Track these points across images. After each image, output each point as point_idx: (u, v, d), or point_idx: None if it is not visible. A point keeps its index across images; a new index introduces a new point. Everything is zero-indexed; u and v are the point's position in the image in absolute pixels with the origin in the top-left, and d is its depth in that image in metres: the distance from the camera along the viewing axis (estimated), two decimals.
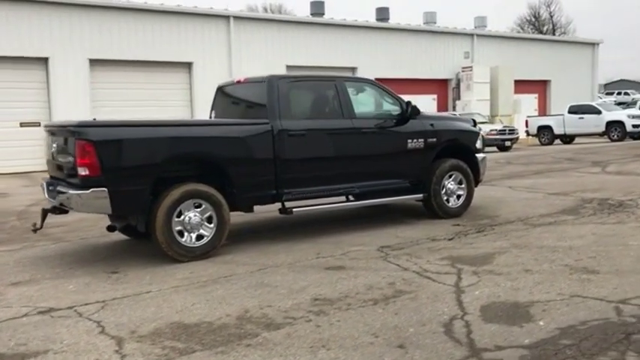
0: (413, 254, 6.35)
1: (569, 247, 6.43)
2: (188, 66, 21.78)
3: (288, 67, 23.72)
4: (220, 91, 8.12)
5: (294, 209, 7.09)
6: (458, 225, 7.92)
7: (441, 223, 8.05)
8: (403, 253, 6.44)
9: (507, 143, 23.66)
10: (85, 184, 5.85)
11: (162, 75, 21.14)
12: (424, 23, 32.38)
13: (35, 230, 6.39)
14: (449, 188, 8.35)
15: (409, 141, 7.90)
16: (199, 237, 6.43)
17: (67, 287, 5.62)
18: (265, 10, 57.12)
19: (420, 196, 8.10)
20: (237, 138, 6.66)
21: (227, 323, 4.43)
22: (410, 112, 7.77)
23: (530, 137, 27.84)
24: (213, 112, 8.19)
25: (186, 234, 6.35)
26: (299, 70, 23.82)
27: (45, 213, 6.47)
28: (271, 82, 7.06)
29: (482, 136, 9.06)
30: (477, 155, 8.64)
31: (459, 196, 8.48)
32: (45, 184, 6.73)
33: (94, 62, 19.77)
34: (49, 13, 18.94)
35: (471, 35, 30.46)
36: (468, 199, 8.54)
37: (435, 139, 8.14)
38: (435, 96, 29.64)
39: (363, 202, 7.99)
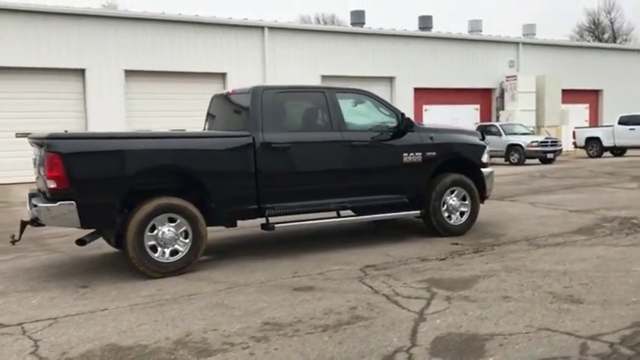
0: (393, 275, 6.00)
1: (565, 271, 5.94)
2: (222, 77, 21.90)
3: (323, 78, 23.60)
4: (214, 101, 7.98)
5: (276, 225, 6.84)
6: (456, 244, 7.49)
7: (440, 241, 7.64)
8: (384, 273, 6.10)
9: (550, 155, 22.71)
10: (54, 197, 5.79)
11: (197, 85, 21.30)
12: (469, 31, 31.67)
13: (13, 242, 6.37)
14: (451, 204, 7.92)
15: (405, 155, 7.53)
16: (174, 252, 6.27)
17: (30, 301, 5.55)
18: (318, 21, 57.28)
19: (418, 212, 7.71)
20: (215, 151, 6.49)
21: (161, 347, 4.22)
22: (404, 124, 7.42)
23: (578, 149, 26.70)
24: (206, 122, 8.06)
25: (159, 249, 6.19)
26: (334, 81, 23.73)
27: (23, 225, 6.45)
28: (255, 93, 6.87)
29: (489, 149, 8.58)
30: (483, 170, 8.18)
31: (462, 213, 8.05)
32: (28, 195, 6.73)
33: (129, 73, 20.13)
34: (85, 25, 19.41)
35: (517, 43, 29.53)
36: (473, 217, 8.09)
37: (434, 153, 7.75)
38: (478, 106, 28.87)
39: (353, 218, 7.68)
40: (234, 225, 7.02)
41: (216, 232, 7.97)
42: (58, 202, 5.76)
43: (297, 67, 23.07)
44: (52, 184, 5.76)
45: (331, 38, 24.18)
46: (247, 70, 22.12)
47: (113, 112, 19.49)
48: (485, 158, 8.24)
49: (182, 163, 6.30)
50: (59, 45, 19.01)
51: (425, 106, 26.91)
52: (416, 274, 6.02)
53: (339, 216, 7.55)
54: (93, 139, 6.11)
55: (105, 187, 5.92)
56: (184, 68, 20.97)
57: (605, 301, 4.94)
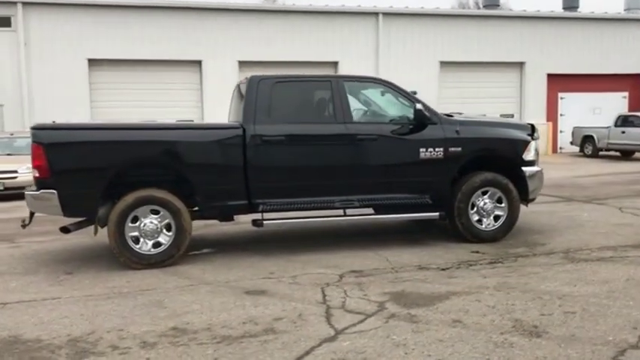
0: (365, 285, 5.43)
1: (565, 295, 4.97)
2: (334, 65, 21.72)
3: (442, 64, 22.50)
4: (234, 91, 7.81)
5: (264, 222, 6.53)
6: (477, 252, 6.64)
7: (461, 248, 6.82)
8: (358, 282, 5.55)
9: None
10: (38, 185, 6.01)
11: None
12: (625, 10, 28.27)
13: (24, 226, 6.73)
14: (482, 207, 7.03)
15: (422, 150, 6.79)
16: (157, 245, 6.24)
17: (9, 284, 5.82)
18: (477, 5, 54.44)
19: (436, 215, 6.93)
20: (200, 143, 6.31)
21: (52, 344, 4.17)
22: (415, 117, 6.68)
23: None
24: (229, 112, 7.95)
25: (142, 240, 6.19)
26: (453, 67, 22.54)
27: (32, 212, 6.77)
28: (251, 82, 6.57)
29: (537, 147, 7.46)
30: (524, 169, 7.13)
31: (497, 218, 7.11)
32: None
33: (243, 64, 20.70)
34: (202, 18, 20.26)
35: None
36: (510, 222, 7.11)
37: (459, 149, 6.90)
38: (626, 94, 25.72)
39: (354, 217, 7.11)
40: (229, 219, 6.83)
41: (231, 225, 7.85)
42: (41, 191, 5.96)
43: (414, 54, 22.21)
44: (35, 173, 5.98)
45: (452, 22, 22.89)
46: (360, 59, 21.73)
47: (226, 102, 20.15)
48: (529, 155, 7.18)
49: (164, 155, 6.23)
50: (179, 38, 20.02)
51: (560, 94, 24.56)
52: (389, 285, 5.39)
53: (345, 214, 7.03)
54: (74, 130, 6.24)
55: (86, 177, 6.02)
56: (296, 58, 21.07)
57: (570, 338, 4.02)
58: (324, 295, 5.12)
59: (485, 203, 7.04)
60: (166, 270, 6.13)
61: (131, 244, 6.14)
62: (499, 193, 7.06)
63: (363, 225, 8.20)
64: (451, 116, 7.30)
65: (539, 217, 8.71)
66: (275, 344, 4.03)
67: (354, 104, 6.83)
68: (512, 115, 23.46)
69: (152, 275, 5.95)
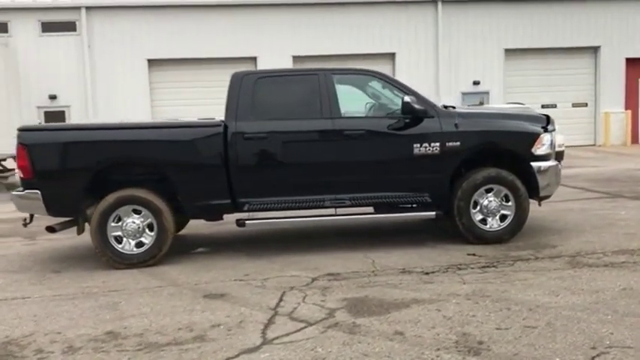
0: (330, 289, 5.15)
1: (538, 305, 4.47)
2: (391, 57, 21.22)
3: (507, 52, 21.44)
4: None
5: (246, 221, 6.36)
6: (473, 255, 6.16)
7: (458, 250, 6.35)
8: (326, 286, 5.27)
9: None
10: (24, 186, 6.14)
11: (365, 67, 20.98)
12: None
13: (25, 225, 6.89)
14: (486, 206, 6.52)
15: (416, 146, 6.36)
16: (139, 244, 6.22)
17: None
18: None
19: (432, 214, 6.50)
20: (179, 141, 6.22)
21: None
22: (403, 110, 6.26)
23: None
24: None
25: (124, 240, 6.19)
26: (519, 55, 21.40)
27: None
28: (234, 79, 6.41)
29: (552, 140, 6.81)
30: (534, 164, 6.54)
31: (504, 217, 6.57)
32: None
33: (297, 58, 20.62)
34: (256, 14, 20.35)
35: None
36: (518, 221, 6.55)
37: (457, 143, 6.42)
38: None
39: (345, 216, 6.77)
40: (218, 219, 6.71)
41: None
42: (26, 191, 6.09)
43: (477, 43, 21.28)
44: (20, 174, 6.10)
45: (517, 7, 21.65)
46: (418, 49, 21.12)
47: None
48: (540, 149, 6.56)
49: (143, 155, 6.19)
50: (234, 34, 20.22)
51: None
52: (356, 290, 5.07)
53: (335, 213, 6.73)
54: (55, 131, 6.32)
55: (67, 177, 6.10)
56: (351, 50, 20.75)
57: (512, 358, 3.57)
58: (280, 301, 4.88)
59: (489, 202, 6.52)
60: (146, 270, 6.09)
61: (114, 243, 6.15)
62: (505, 191, 6.52)
63: (365, 224, 7.84)
64: (454, 108, 6.81)
65: (567, 215, 8.03)
66: (192, 354, 3.86)
67: (344, 98, 6.50)
68: (585, 104, 22.06)
69: (130, 275, 5.92)
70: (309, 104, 6.44)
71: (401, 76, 20.38)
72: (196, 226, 7.73)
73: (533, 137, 6.55)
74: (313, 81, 6.46)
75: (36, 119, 19.35)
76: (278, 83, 6.53)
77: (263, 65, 20.28)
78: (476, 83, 21.40)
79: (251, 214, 6.51)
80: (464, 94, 21.38)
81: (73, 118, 19.72)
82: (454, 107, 6.93)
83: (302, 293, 5.07)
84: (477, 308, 4.48)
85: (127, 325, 4.46)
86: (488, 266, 5.71)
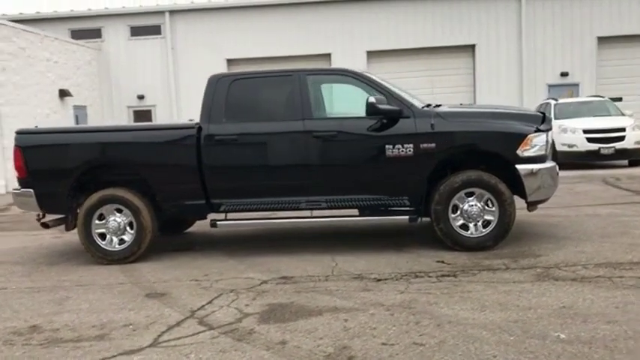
0: (269, 293, 5.13)
1: (452, 321, 4.19)
2: (471, 49, 20.41)
3: (601, 40, 19.92)
4: None
5: (218, 222, 6.47)
6: (442, 262, 5.86)
7: (429, 257, 6.08)
8: (267, 289, 5.26)
9: None
10: (20, 184, 6.66)
11: (442, 60, 20.40)
12: None
13: (38, 219, 7.44)
14: (467, 210, 6.17)
15: (388, 147, 6.14)
16: (122, 242, 6.54)
17: None
18: None
19: (406, 218, 6.25)
20: (154, 143, 6.44)
21: None
22: (367, 111, 6.04)
23: None
24: None
25: (108, 237, 6.54)
26: (614, 43, 19.79)
27: None
28: (210, 81, 6.51)
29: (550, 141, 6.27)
30: (520, 167, 6.08)
31: (487, 223, 6.18)
32: None
33: (372, 54, 20.45)
34: (330, 11, 20.40)
35: None
36: (501, 227, 6.13)
37: (433, 145, 6.11)
38: None
39: (322, 219, 6.64)
40: (200, 218, 6.88)
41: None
42: (22, 189, 6.61)
43: (565, 33, 20.00)
44: (17, 174, 6.63)
45: None
46: (500, 42, 20.16)
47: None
48: (528, 151, 6.08)
49: (122, 156, 6.49)
50: (308, 32, 20.42)
51: None
52: (287, 296, 5.02)
53: (312, 215, 6.66)
54: (45, 134, 6.75)
55: (55, 176, 6.52)
56: (428, 44, 20.26)
57: None
58: (208, 303, 4.94)
59: (470, 206, 6.16)
60: (125, 267, 6.38)
61: (98, 240, 6.52)
62: (488, 195, 6.13)
63: (353, 226, 7.66)
64: (438, 107, 6.49)
65: (586, 221, 7.41)
66: (79, 351, 4.02)
67: (317, 99, 6.42)
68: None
69: (107, 271, 6.24)
70: (282, 106, 6.42)
71: (481, 69, 19.68)
72: (205, 224, 7.96)
73: (519, 138, 6.07)
74: (287, 82, 6.43)
75: (126, 118, 20.74)
76: (252, 85, 6.56)
77: (337, 62, 20.35)
78: (564, 75, 20.08)
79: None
80: (550, 86, 20.18)
81: (159, 117, 20.90)
82: (438, 106, 6.58)
83: (235, 296, 5.09)
84: (386, 320, 4.28)
85: (55, 320, 4.72)
86: (447, 275, 5.41)
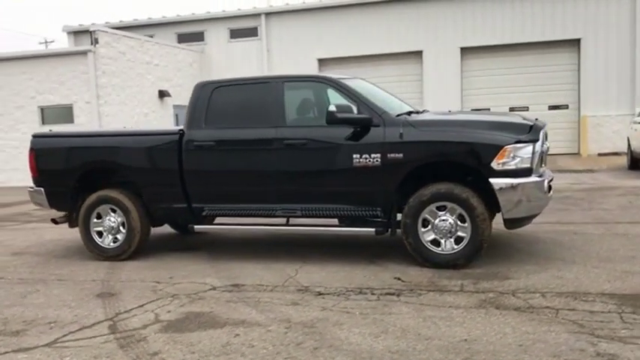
0: (204, 300, 5.20)
1: (332, 345, 4.00)
2: (576, 44, 18.86)
3: None
4: None
5: (195, 227, 6.63)
6: (399, 279, 5.56)
7: (388, 272, 5.82)
8: (202, 297, 5.32)
9: None
10: (34, 183, 7.29)
11: (541, 57, 19.08)
12: None
13: (54, 221, 7.97)
14: (438, 225, 5.80)
15: (355, 157, 5.92)
16: (116, 240, 6.94)
17: (10, 262, 7.24)
18: None
19: (372, 230, 5.99)
20: (141, 148, 6.73)
21: None
22: (327, 120, 5.85)
23: None
24: None
25: (104, 235, 6.97)
26: None
27: None
28: (195, 88, 6.69)
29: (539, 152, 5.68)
30: (493, 181, 5.58)
31: (459, 239, 5.78)
32: None
33: (465, 50, 19.63)
34: (421, 8, 19.85)
35: None
36: (474, 245, 5.68)
37: (400, 155, 5.79)
38: None
39: (295, 227, 6.54)
40: (188, 222, 7.08)
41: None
42: (35, 188, 7.24)
43: None
44: (31, 173, 7.27)
45: None
46: (609, 36, 18.44)
47: (448, 91, 19.53)
48: (505, 164, 5.55)
49: (112, 160, 6.85)
50: (399, 31, 20.06)
51: None
52: (215, 305, 5.04)
53: (287, 223, 6.61)
54: (52, 138, 7.31)
55: (59, 177, 7.07)
56: (527, 39, 19.06)
57: None
58: (138, 307, 5.08)
59: (441, 221, 5.78)
60: (114, 264, 6.75)
61: (95, 237, 6.97)
62: (459, 210, 5.71)
63: (350, 236, 7.40)
64: (419, 113, 6.15)
65: (602, 241, 6.70)
66: None
67: (290, 107, 6.34)
68: None
69: (94, 267, 6.64)
70: (258, 113, 6.41)
71: (587, 64, 18.20)
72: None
73: (494, 149, 5.58)
74: (265, 89, 6.42)
75: None
76: (234, 92, 6.62)
77: (428, 59, 19.82)
78: None
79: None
80: None
81: None
82: (420, 112, 6.22)
83: (170, 301, 5.21)
84: (274, 339, 4.16)
85: (1, 312, 5.14)
86: (391, 294, 5.13)
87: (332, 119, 5.79)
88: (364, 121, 5.88)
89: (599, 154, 18.45)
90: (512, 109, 18.95)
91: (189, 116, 6.60)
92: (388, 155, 5.82)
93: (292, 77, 6.52)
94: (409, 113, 6.26)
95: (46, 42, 48.78)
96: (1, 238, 9.00)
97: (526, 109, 19.23)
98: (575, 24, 18.73)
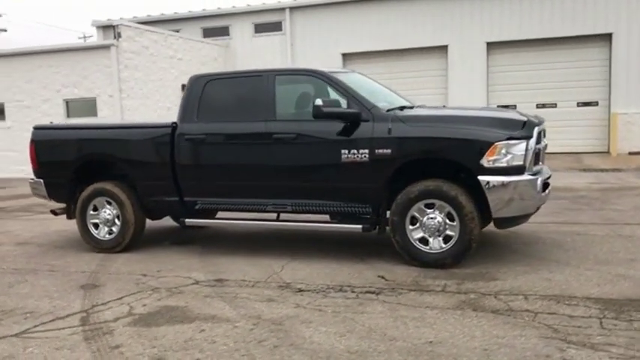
0: (179, 295, 5.18)
1: (296, 345, 3.92)
2: (607, 38, 18.24)
3: None
4: None
5: (186, 220, 6.60)
6: (382, 278, 5.44)
7: (373, 269, 5.71)
8: (182, 291, 5.30)
9: None
10: (34, 175, 7.39)
11: (570, 52, 18.51)
12: None
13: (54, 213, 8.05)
14: (427, 224, 5.65)
15: (344, 152, 5.80)
16: (111, 232, 6.98)
17: (10, 252, 7.35)
18: None
19: (359, 227, 5.87)
20: (134, 141, 6.73)
21: None
22: (313, 114, 5.73)
23: None
24: None
25: (100, 227, 7.02)
26: None
27: None
28: (189, 81, 6.66)
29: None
30: (484, 178, 5.39)
31: (448, 238, 5.62)
32: None
33: (492, 45, 19.20)
34: (446, 2, 19.49)
35: None
36: (463, 244, 5.51)
37: (388, 151, 5.65)
38: None
39: (285, 224, 6.45)
40: (183, 216, 7.06)
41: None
42: (35, 179, 7.33)
43: None
44: (32, 165, 7.36)
45: None
46: None
47: (472, 87, 19.15)
48: (495, 161, 5.35)
49: (107, 152, 6.88)
50: (424, 25, 19.74)
51: None
52: (189, 299, 5.02)
53: (278, 219, 6.53)
54: (50, 130, 7.37)
55: (57, 169, 7.13)
56: (555, 33, 18.50)
57: None
58: (116, 300, 5.09)
59: (429, 219, 5.63)
60: (108, 256, 6.79)
61: (92, 229, 7.02)
62: (448, 208, 5.55)
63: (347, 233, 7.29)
64: (412, 108, 5.99)
65: (604, 242, 6.47)
66: None
67: (283, 100, 6.26)
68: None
69: (88, 259, 6.68)
70: (249, 106, 6.34)
71: (618, 60, 17.65)
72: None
73: (484, 146, 5.39)
74: (257, 83, 6.34)
75: None
76: (226, 85, 6.56)
77: (453, 54, 19.47)
78: None
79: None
80: None
81: None
82: (414, 107, 6.06)
83: (149, 294, 5.21)
84: (237, 335, 4.10)
85: None
86: (371, 292, 5.01)
87: (318, 113, 5.69)
88: (351, 116, 5.76)
89: (630, 153, 17.83)
90: (539, 106, 18.48)
91: (182, 109, 6.58)
92: (376, 151, 5.69)
93: (283, 71, 6.44)
94: (402, 108, 6.10)
95: (84, 37, 49.83)
96: (12, 228, 9.16)
97: (554, 105, 18.73)
98: (606, 18, 18.10)
